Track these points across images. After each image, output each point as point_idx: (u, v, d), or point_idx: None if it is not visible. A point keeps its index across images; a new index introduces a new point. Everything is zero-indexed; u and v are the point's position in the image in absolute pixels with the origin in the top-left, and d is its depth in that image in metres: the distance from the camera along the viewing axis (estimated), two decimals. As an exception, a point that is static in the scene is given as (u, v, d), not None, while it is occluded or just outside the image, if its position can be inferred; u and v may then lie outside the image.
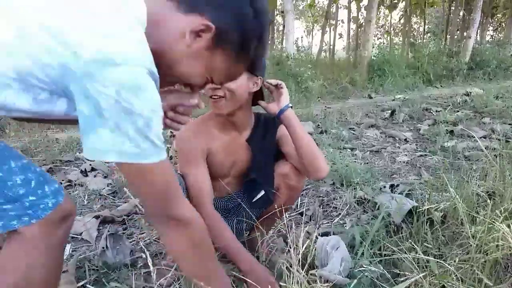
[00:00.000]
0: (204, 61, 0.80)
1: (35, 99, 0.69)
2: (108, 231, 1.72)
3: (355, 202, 2.08)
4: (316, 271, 1.24)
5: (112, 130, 0.65)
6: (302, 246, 1.08)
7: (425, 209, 1.48)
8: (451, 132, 3.90)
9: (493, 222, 1.19)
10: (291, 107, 1.31)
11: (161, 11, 0.75)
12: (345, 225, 1.84)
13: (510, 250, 1.15)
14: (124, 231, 1.84)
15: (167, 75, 0.80)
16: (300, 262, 1.07)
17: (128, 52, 0.65)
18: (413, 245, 1.30)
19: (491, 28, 22.93)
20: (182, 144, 1.32)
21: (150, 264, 1.01)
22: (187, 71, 0.81)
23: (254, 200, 1.41)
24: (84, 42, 0.63)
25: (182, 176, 1.30)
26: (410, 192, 2.18)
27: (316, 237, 1.42)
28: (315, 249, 1.33)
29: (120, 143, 0.67)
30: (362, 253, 1.38)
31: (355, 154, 3.16)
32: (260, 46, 0.83)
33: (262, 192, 1.38)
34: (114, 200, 2.24)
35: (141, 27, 0.72)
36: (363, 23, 12.36)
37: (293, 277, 1.05)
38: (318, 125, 4.29)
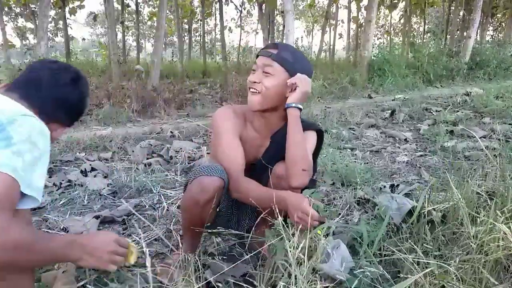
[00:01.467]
0: None
1: None
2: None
3: (355, 202, 2.08)
4: (316, 264, 1.23)
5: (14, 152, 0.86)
6: (302, 246, 1.08)
7: (424, 209, 1.47)
8: (451, 132, 3.90)
9: (495, 222, 1.19)
10: (300, 109, 1.32)
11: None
12: (345, 225, 1.84)
13: (510, 251, 1.15)
14: (124, 231, 1.84)
15: None
16: (299, 263, 1.07)
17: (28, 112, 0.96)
18: (413, 246, 1.30)
19: (491, 28, 22.92)
20: (220, 119, 1.37)
21: (149, 264, 1.01)
22: None
23: None
24: (3, 107, 0.94)
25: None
26: (410, 192, 2.18)
27: (316, 237, 1.41)
28: (315, 249, 1.33)
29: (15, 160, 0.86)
30: (363, 253, 1.38)
31: (355, 154, 3.16)
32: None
33: None
34: (114, 200, 2.24)
35: None
36: (363, 23, 12.36)
37: (294, 277, 1.05)
38: (318, 125, 4.29)
